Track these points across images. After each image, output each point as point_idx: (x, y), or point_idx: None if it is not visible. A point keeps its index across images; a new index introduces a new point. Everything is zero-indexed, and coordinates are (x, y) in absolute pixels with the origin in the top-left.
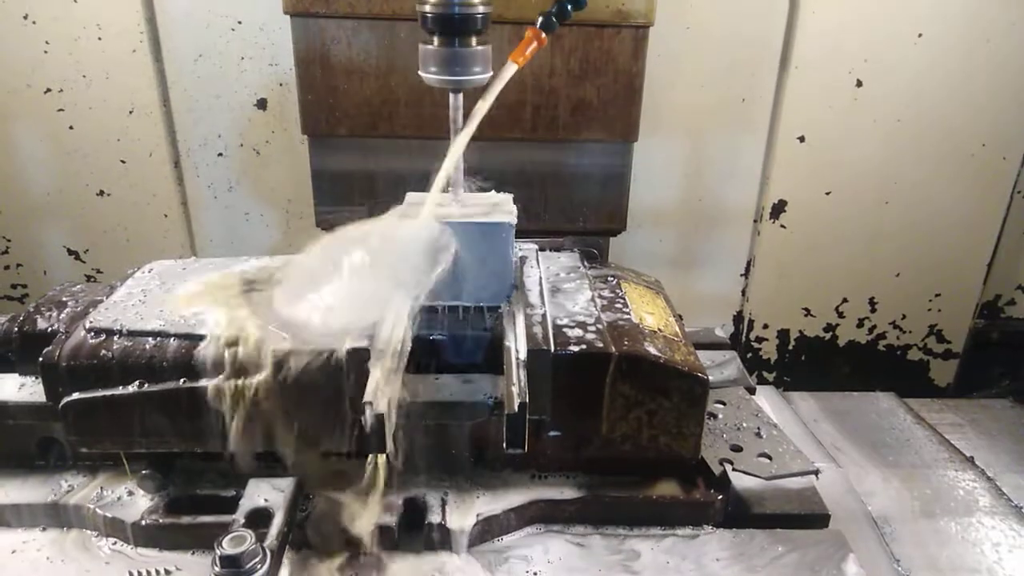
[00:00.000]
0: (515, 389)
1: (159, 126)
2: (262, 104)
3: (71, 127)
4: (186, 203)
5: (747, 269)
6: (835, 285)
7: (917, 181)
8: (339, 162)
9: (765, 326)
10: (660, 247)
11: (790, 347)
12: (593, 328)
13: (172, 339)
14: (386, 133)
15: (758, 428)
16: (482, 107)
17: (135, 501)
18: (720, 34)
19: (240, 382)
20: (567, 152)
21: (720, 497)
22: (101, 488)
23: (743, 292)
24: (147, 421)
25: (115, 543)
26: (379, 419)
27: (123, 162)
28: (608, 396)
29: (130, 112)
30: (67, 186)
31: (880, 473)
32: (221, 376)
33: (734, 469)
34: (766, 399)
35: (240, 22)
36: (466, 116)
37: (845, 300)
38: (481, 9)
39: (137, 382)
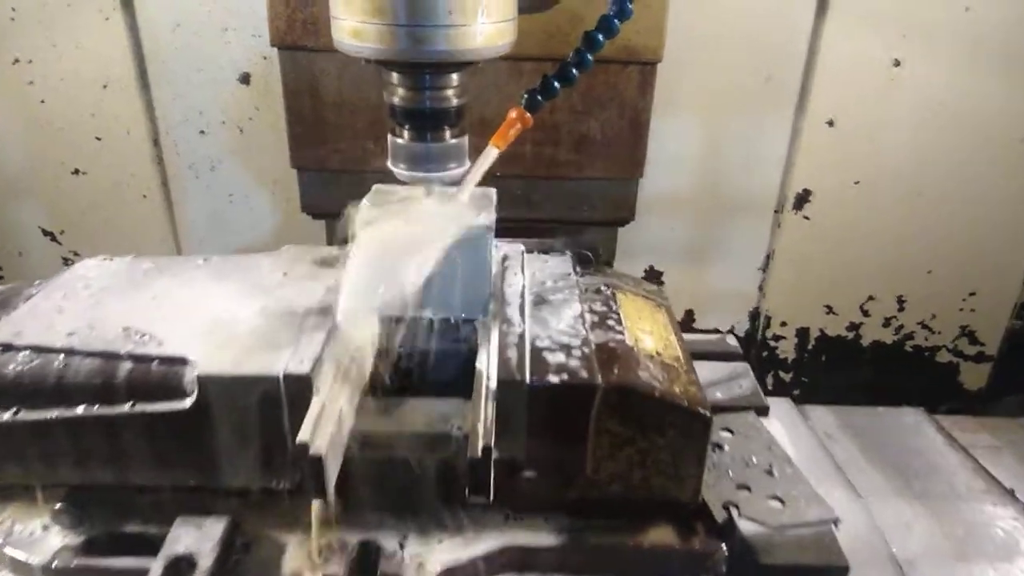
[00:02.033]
0: (480, 428)
1: (136, 101)
2: (245, 79)
3: (42, 101)
4: (166, 183)
5: (766, 263)
6: (861, 281)
7: (954, 170)
8: (330, 193)
9: (783, 324)
10: (672, 238)
11: (809, 346)
12: (578, 352)
13: (86, 357)
14: (380, 168)
15: (770, 464)
16: (461, 194)
17: (48, 539)
18: (742, 6)
19: (160, 408)
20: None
21: (723, 546)
22: (12, 522)
23: (760, 287)
24: (50, 450)
25: None
26: (316, 463)
27: (98, 139)
28: (593, 433)
29: (104, 86)
30: (40, 164)
31: (907, 506)
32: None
33: (740, 515)
34: (780, 416)
35: None
36: None
37: (871, 298)
38: (455, 102)
39: (32, 406)
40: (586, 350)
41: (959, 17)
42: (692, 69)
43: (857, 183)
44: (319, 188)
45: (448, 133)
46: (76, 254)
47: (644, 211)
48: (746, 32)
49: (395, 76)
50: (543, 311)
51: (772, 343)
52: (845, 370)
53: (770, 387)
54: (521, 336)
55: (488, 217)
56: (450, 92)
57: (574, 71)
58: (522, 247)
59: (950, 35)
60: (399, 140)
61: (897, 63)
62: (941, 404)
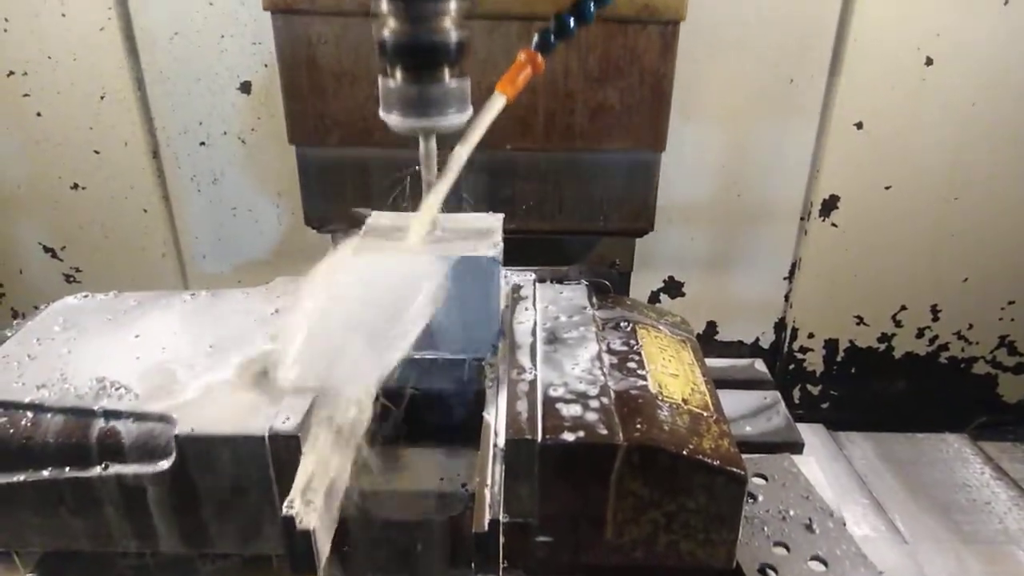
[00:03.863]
0: (487, 496)
1: (134, 112)
2: (246, 87)
3: (39, 114)
4: (167, 197)
5: (792, 272)
6: (893, 291)
7: (991, 174)
8: (330, 171)
9: (811, 335)
10: (693, 247)
11: (839, 359)
12: (596, 403)
13: (56, 414)
14: (382, 143)
15: (809, 519)
16: (462, 152)
17: None
18: (766, 3)
19: (137, 470)
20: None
21: None
22: None
23: (786, 297)
24: (19, 514)
25: None
26: (305, 537)
27: (97, 152)
28: (614, 495)
29: (101, 97)
30: (39, 179)
31: (954, 551)
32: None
33: None
34: (815, 449)
35: None
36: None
37: (904, 307)
38: (455, 35)
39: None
40: (605, 400)
41: (995, 11)
42: (711, 72)
43: (888, 188)
44: (322, 199)
45: (447, 73)
46: (78, 270)
47: (663, 220)
48: (768, 32)
49: (385, 3)
50: (557, 352)
51: (799, 355)
52: (877, 383)
53: (797, 401)
54: (532, 384)
55: (495, 247)
56: (448, 22)
57: (591, 7)
58: (534, 276)
59: (985, 32)
60: (391, 82)
61: (929, 61)
62: (978, 418)
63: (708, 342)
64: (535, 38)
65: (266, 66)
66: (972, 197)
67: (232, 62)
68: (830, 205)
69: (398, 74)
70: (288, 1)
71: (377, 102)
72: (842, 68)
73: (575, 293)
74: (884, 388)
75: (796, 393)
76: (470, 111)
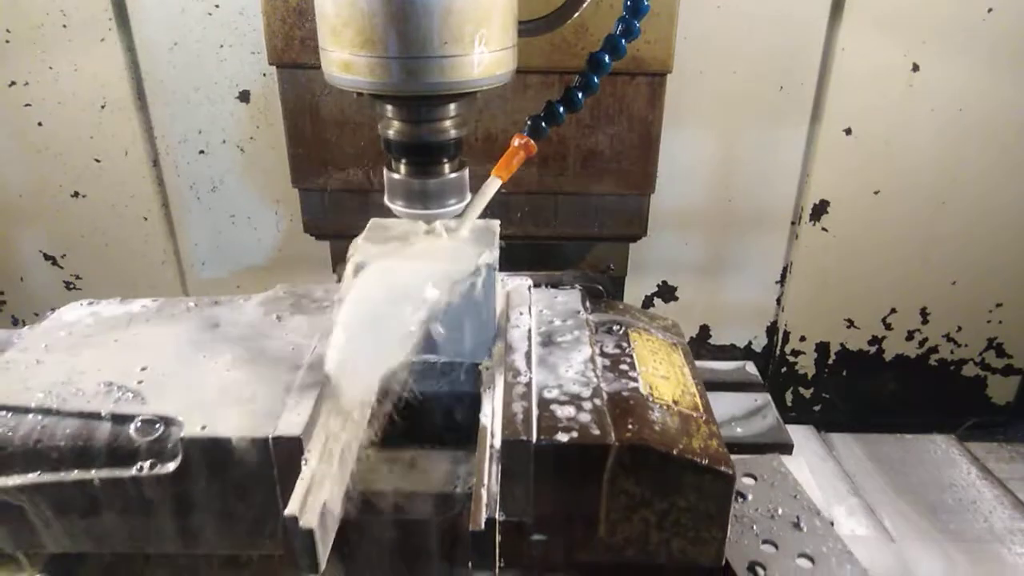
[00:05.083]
0: (483, 494)
1: (134, 121)
2: (244, 96)
3: (40, 123)
4: (167, 205)
5: (783, 276)
6: (882, 294)
7: (978, 178)
8: (332, 213)
9: (802, 338)
10: (685, 252)
11: (830, 361)
12: (589, 404)
13: (64, 418)
14: (382, 189)
15: (798, 517)
16: (462, 229)
17: None
18: (755, 12)
19: (142, 473)
20: None
21: None
22: None
23: (778, 301)
24: (27, 516)
25: None
26: (308, 536)
27: (97, 161)
28: (607, 494)
29: (102, 107)
30: (40, 187)
31: (941, 549)
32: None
33: None
34: (804, 449)
35: (217, 6)
36: None
37: (893, 310)
38: (453, 133)
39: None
40: (597, 401)
41: (980, 19)
42: (702, 80)
43: (877, 192)
44: (321, 208)
45: (447, 167)
46: (78, 277)
47: (656, 225)
48: (757, 40)
49: (389, 109)
50: (551, 355)
51: (791, 358)
52: (867, 385)
53: (790, 403)
54: (528, 385)
55: (491, 254)
56: (448, 124)
57: (580, 96)
58: (529, 281)
59: (970, 38)
60: (395, 175)
61: (916, 68)
62: (968, 419)
63: (701, 346)
64: (527, 124)
65: (264, 75)
66: (960, 201)
67: (231, 71)
68: (820, 210)
69: (402, 168)
70: (293, 56)
71: (378, 150)
72: (830, 75)
73: (569, 297)
74: (875, 390)
75: (788, 396)
76: (468, 198)
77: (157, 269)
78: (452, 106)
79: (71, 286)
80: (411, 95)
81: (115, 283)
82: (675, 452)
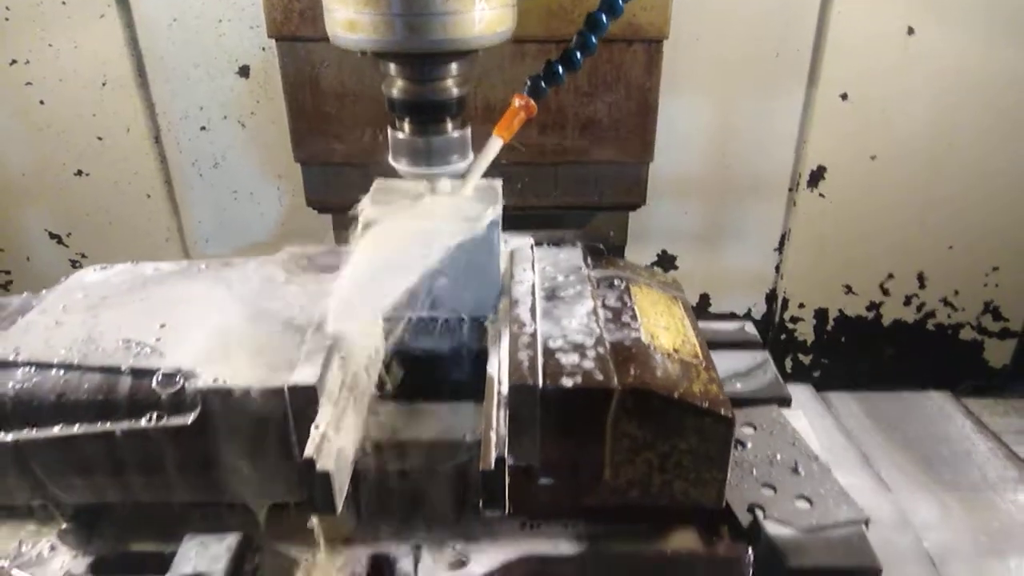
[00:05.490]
0: (492, 437)
1: (135, 98)
2: (244, 72)
3: (41, 102)
4: (170, 181)
5: (781, 243)
6: (880, 260)
7: (974, 142)
8: (335, 186)
9: (801, 305)
10: (684, 221)
11: (828, 327)
12: (592, 352)
13: (86, 372)
14: (384, 160)
15: (795, 461)
16: (466, 187)
17: (55, 559)
18: None
19: (163, 423)
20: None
21: (749, 550)
22: (19, 542)
23: (777, 268)
24: (52, 469)
25: None
26: (324, 479)
27: (100, 139)
28: (610, 438)
29: (103, 84)
30: (43, 166)
31: (936, 498)
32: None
33: (766, 518)
34: (803, 406)
35: None
36: None
37: (891, 276)
38: (456, 91)
39: (33, 424)
40: (600, 350)
41: None
42: (699, 46)
43: (873, 158)
44: (324, 182)
45: (450, 125)
46: (84, 256)
47: (655, 194)
48: (753, 4)
49: (393, 67)
50: (555, 309)
51: (790, 325)
52: (866, 351)
53: (789, 370)
54: (533, 336)
55: (495, 211)
56: (450, 82)
57: (578, 55)
58: (531, 240)
59: (966, 1)
60: (399, 134)
61: (911, 31)
62: (965, 382)
63: (701, 314)
64: (527, 84)
65: (264, 49)
66: (956, 165)
67: (230, 46)
68: (817, 176)
69: (406, 127)
70: (292, 29)
71: (379, 121)
72: (826, 40)
73: (571, 255)
74: (874, 356)
75: (788, 363)
76: (471, 157)
77: (162, 246)
78: (454, 64)
79: (77, 264)
80: (414, 52)
81: (120, 261)
82: (676, 396)
